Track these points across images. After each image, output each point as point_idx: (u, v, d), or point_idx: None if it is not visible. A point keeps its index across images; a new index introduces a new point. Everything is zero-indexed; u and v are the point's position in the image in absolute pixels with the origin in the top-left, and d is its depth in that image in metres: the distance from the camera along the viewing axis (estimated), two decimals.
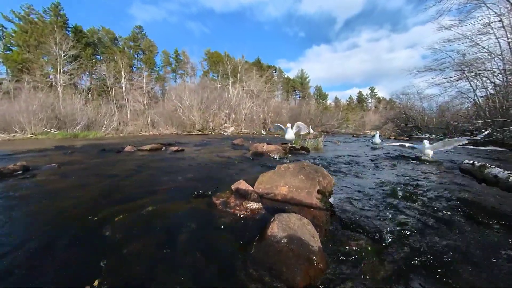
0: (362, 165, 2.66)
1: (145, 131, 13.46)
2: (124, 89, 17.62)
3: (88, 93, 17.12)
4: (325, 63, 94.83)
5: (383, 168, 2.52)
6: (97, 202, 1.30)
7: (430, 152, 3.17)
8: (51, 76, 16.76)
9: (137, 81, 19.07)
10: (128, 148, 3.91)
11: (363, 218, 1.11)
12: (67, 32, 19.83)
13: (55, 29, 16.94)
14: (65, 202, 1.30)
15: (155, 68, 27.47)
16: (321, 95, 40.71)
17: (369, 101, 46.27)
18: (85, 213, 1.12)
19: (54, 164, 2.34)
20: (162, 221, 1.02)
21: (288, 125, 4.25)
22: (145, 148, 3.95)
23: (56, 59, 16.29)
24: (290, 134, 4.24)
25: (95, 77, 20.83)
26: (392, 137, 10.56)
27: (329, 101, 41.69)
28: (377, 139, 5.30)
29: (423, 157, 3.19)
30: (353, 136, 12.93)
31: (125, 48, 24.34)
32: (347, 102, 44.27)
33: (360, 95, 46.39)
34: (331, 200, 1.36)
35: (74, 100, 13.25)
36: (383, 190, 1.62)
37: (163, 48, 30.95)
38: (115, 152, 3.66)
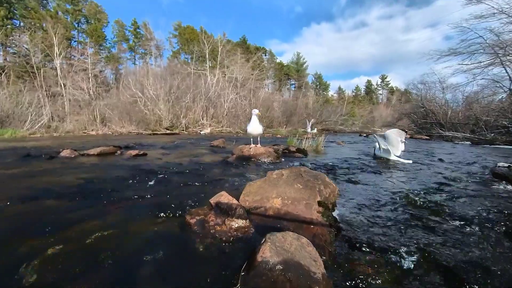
0: (372, 170, 2.80)
1: (92, 129, 12.70)
2: (59, 71, 16.43)
3: (1, 74, 15.56)
4: (326, 45, 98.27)
5: (396, 173, 2.68)
6: (19, 229, 1.19)
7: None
8: None
9: (79, 61, 17.96)
10: (66, 153, 3.67)
11: (375, 236, 1.16)
12: None
13: None
14: None
15: (104, 44, 26.21)
16: (321, 84, 42.24)
17: (380, 92, 49.16)
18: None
19: None
20: (116, 251, 0.97)
21: (255, 111, 3.55)
22: (92, 153, 3.78)
23: None
24: (256, 127, 3.48)
25: (11, 51, 18.97)
26: (408, 136, 10.77)
27: (331, 92, 43.55)
28: None
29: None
30: (360, 135, 13.63)
31: (60, 13, 22.72)
32: (353, 94, 46.58)
33: (368, 85, 49.04)
34: (335, 213, 1.41)
35: None
36: (398, 200, 1.72)
37: (116, 17, 29.55)
38: (45, 159, 3.41)
